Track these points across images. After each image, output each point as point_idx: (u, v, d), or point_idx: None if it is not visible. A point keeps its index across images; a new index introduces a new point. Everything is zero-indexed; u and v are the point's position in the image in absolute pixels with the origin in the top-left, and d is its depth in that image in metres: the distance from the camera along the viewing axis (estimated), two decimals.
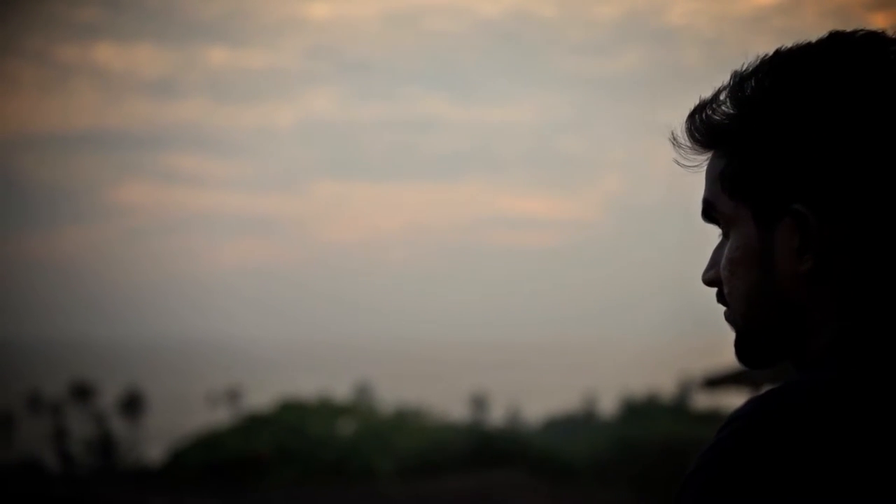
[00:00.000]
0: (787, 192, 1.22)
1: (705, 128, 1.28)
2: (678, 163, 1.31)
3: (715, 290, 1.31)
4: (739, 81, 1.26)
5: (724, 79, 1.29)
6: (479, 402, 43.80)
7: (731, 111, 1.26)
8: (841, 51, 1.23)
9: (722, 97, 1.27)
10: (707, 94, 1.30)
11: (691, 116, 1.29)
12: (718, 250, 1.30)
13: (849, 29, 1.26)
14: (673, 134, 1.31)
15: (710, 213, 1.30)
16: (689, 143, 1.30)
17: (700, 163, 1.31)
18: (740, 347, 1.29)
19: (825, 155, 1.20)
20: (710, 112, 1.28)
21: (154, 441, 34.83)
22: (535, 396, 54.14)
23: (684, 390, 37.40)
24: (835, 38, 1.25)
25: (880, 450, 1.13)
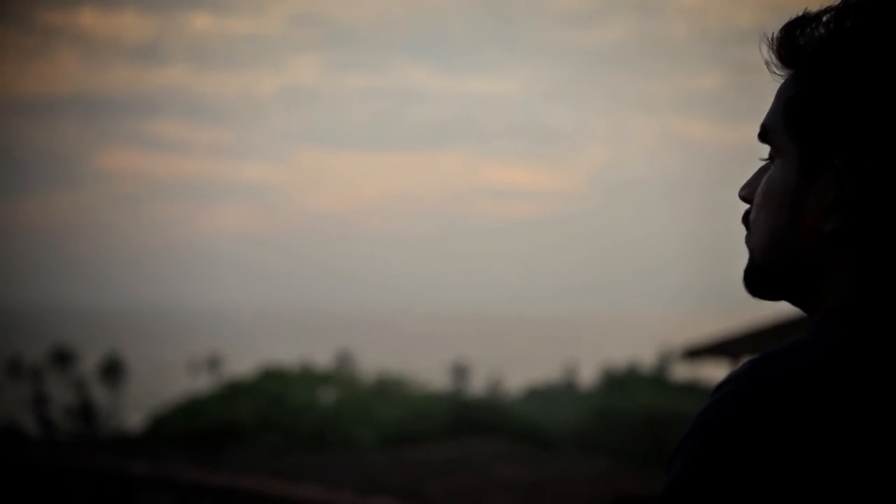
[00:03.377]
0: (835, 143, 1.16)
1: (792, 45, 1.20)
2: (767, 66, 1.23)
3: (746, 207, 1.26)
4: (844, 8, 1.17)
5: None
6: (460, 372, 43.92)
7: (823, 35, 1.18)
8: None
9: (824, 19, 1.18)
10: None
11: (785, 28, 1.21)
12: (761, 172, 1.25)
13: None
14: (769, 37, 1.22)
15: (765, 135, 1.25)
16: (772, 54, 1.23)
17: (781, 76, 1.23)
18: (750, 276, 1.25)
19: (885, 116, 1.14)
20: (803, 29, 1.19)
21: (134, 408, 34.82)
22: (516, 367, 54.23)
23: (664, 361, 37.59)
24: None
25: (888, 415, 1.09)
